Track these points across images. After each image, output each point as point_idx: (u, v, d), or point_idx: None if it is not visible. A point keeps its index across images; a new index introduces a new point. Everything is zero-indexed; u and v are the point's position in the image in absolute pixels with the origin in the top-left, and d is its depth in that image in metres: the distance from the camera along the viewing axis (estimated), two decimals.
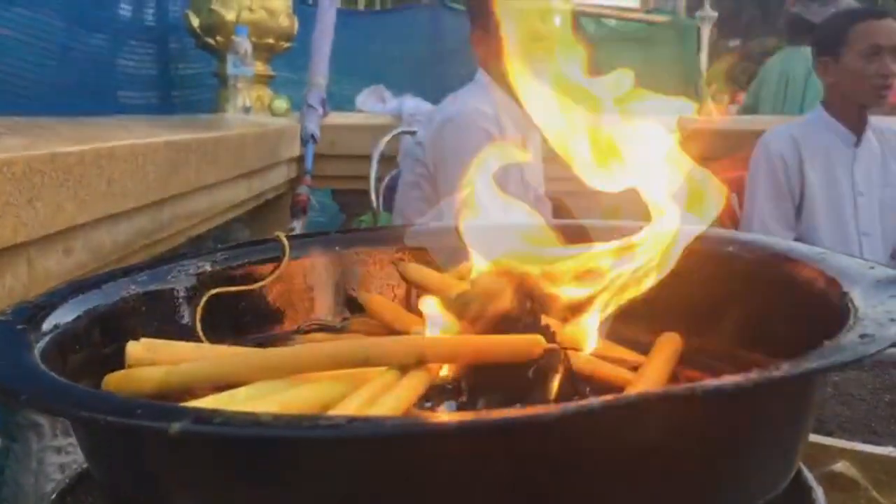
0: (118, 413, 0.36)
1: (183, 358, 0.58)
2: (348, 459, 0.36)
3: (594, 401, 0.33)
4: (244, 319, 0.70)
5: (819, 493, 0.53)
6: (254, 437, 0.34)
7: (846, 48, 2.16)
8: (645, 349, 0.64)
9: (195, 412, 0.35)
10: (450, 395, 0.56)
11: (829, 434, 0.98)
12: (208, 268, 0.69)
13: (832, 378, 1.17)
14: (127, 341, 0.57)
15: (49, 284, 1.14)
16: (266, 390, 0.53)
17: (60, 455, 1.44)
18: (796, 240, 1.59)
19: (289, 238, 0.74)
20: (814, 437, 0.88)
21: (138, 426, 0.35)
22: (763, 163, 2.23)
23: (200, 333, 0.65)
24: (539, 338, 0.52)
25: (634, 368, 0.62)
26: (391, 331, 0.70)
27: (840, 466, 0.88)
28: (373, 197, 2.61)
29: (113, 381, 0.54)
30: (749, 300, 0.63)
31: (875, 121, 2.28)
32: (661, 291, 0.67)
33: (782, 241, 0.67)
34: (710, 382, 0.34)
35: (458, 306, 0.57)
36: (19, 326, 0.50)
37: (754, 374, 0.35)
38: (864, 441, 0.92)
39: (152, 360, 0.57)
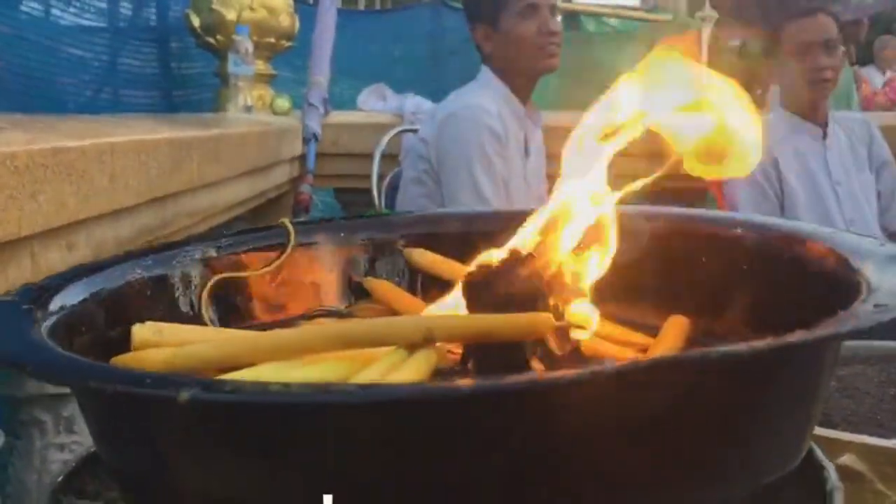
0: (127, 382, 0.36)
1: (189, 341, 0.57)
2: (361, 427, 0.35)
3: (608, 365, 0.33)
4: (249, 305, 0.70)
5: (831, 471, 0.53)
6: (265, 403, 0.34)
7: (783, 51, 2.24)
8: (653, 332, 0.64)
9: (205, 381, 0.35)
10: (458, 375, 0.56)
11: (835, 427, 0.97)
12: (214, 253, 0.68)
13: (838, 372, 1.16)
14: (132, 325, 0.57)
15: None
16: (272, 371, 0.53)
17: (63, 452, 1.43)
18: None
19: (294, 224, 0.74)
20: (820, 430, 0.88)
21: (147, 395, 0.35)
22: None
23: (206, 318, 0.64)
24: (547, 316, 0.52)
25: (643, 350, 0.62)
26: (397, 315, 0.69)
27: (846, 459, 0.88)
28: (375, 195, 2.61)
29: (119, 362, 0.54)
30: (758, 281, 0.63)
31: (835, 114, 2.35)
32: (668, 274, 0.67)
33: (789, 221, 0.67)
34: (725, 347, 0.34)
35: (466, 286, 0.56)
36: (25, 306, 0.50)
37: (770, 340, 0.35)
38: (870, 434, 0.92)
39: (158, 343, 0.57)
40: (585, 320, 0.59)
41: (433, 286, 0.72)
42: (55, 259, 1.23)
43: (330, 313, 0.72)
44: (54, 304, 0.53)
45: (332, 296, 0.73)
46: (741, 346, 0.34)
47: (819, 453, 0.53)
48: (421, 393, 0.34)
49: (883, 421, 1.08)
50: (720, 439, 0.41)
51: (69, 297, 0.56)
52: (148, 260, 0.64)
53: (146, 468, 0.44)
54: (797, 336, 0.36)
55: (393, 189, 2.49)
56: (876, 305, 0.41)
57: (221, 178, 2.00)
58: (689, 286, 0.66)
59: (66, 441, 1.45)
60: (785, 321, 0.54)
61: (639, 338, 0.64)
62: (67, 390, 1.21)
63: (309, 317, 0.71)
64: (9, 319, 0.48)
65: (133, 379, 0.36)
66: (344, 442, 0.36)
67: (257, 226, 0.79)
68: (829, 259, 0.56)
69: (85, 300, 0.57)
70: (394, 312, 0.70)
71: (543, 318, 0.52)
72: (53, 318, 0.52)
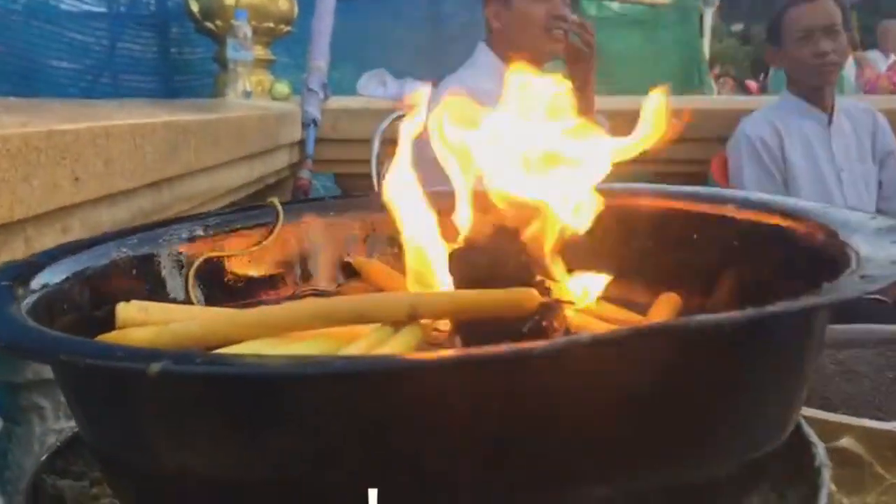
0: (98, 356, 0.35)
1: (174, 319, 0.57)
2: (338, 399, 0.35)
3: (583, 335, 0.32)
4: (237, 285, 0.69)
5: (820, 448, 0.53)
6: (237, 375, 0.33)
7: (785, 36, 2.25)
8: (643, 311, 0.63)
9: (175, 353, 0.34)
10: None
11: (834, 411, 0.97)
12: (201, 232, 0.68)
13: (837, 356, 1.16)
14: (117, 304, 0.56)
15: None
16: (258, 348, 0.52)
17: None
18: None
19: (283, 203, 0.73)
20: (819, 413, 0.88)
21: (118, 368, 0.34)
22: (744, 148, 2.27)
23: (192, 297, 0.64)
24: (533, 291, 0.51)
25: None
26: None
27: (845, 442, 0.87)
28: (374, 180, 2.61)
29: (102, 341, 0.53)
30: (749, 257, 0.62)
31: (840, 100, 2.36)
32: (659, 252, 0.67)
33: (780, 197, 0.66)
34: (705, 316, 0.33)
35: (452, 262, 0.56)
36: (4, 283, 0.50)
37: (750, 310, 0.34)
38: (869, 418, 0.92)
39: (143, 321, 0.56)
40: (574, 297, 0.58)
41: None
42: (49, 243, 1.21)
43: (319, 293, 0.71)
44: (36, 282, 0.53)
45: (321, 275, 0.73)
46: (721, 316, 0.33)
47: (807, 429, 0.53)
48: (398, 364, 0.34)
49: (881, 405, 1.07)
50: (703, 413, 0.40)
51: (52, 276, 0.55)
52: (134, 239, 0.64)
53: (122, 446, 0.43)
54: (778, 306, 0.35)
55: None
56: (862, 276, 0.40)
57: (219, 163, 1.99)
58: (679, 264, 0.66)
59: (65, 427, 1.45)
60: (777, 296, 0.53)
61: (629, 315, 0.63)
62: None
63: (297, 297, 0.71)
64: None
65: (104, 352, 0.36)
66: (321, 415, 0.36)
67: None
68: (819, 234, 0.55)
69: (68, 278, 0.56)
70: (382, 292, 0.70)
71: (529, 294, 0.51)
72: (35, 296, 0.51)
